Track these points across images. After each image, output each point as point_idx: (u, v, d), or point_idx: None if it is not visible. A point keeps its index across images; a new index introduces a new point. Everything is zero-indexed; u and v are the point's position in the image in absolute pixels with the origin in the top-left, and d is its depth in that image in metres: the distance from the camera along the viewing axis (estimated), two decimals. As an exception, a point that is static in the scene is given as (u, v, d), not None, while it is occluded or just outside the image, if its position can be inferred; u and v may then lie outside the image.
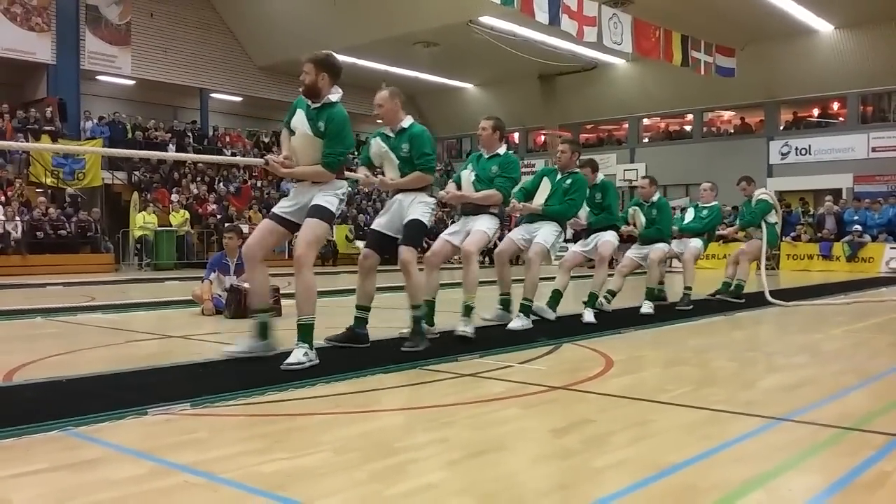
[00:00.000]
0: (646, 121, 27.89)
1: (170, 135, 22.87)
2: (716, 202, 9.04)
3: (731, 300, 8.75)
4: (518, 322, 6.29)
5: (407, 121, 5.37)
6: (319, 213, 4.65)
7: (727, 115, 26.36)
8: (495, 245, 6.93)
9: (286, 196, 4.98)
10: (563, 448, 3.04)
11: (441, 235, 5.97)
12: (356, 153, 7.30)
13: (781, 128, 24.77)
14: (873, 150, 22.56)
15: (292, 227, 4.76)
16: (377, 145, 5.42)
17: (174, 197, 19.89)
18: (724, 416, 3.57)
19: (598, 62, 24.53)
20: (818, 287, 12.30)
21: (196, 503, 2.37)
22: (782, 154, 24.17)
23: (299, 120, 4.78)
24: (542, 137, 29.70)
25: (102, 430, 3.20)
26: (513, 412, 3.67)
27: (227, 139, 24.80)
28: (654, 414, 3.61)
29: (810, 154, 23.64)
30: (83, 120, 21.26)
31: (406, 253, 5.17)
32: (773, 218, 9.23)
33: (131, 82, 23.35)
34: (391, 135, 5.36)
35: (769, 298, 9.21)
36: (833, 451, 3.03)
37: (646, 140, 27.82)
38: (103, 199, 20.18)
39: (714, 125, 26.74)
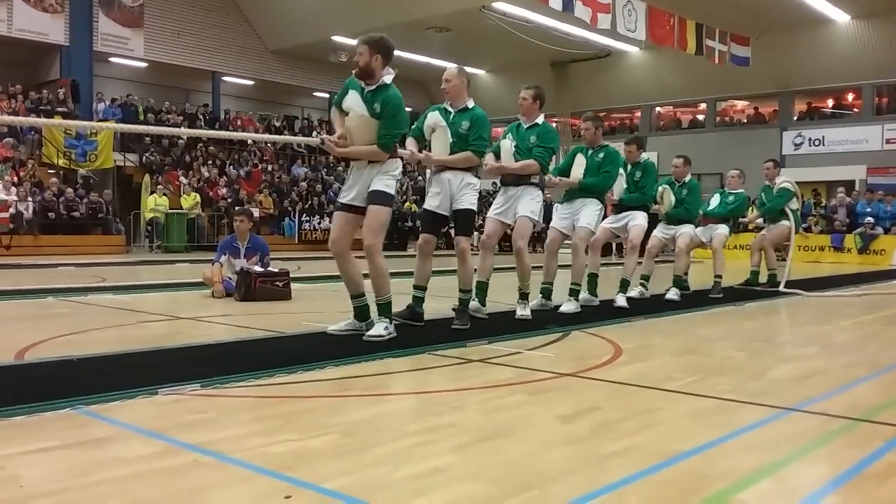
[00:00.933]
0: (658, 109, 27.72)
1: (181, 118, 22.91)
2: (742, 189, 9.08)
3: (770, 289, 8.86)
4: (569, 305, 6.51)
5: (471, 102, 5.53)
6: (380, 198, 4.83)
7: (740, 104, 26.18)
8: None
9: (333, 182, 5.20)
10: (570, 434, 3.04)
11: (490, 216, 6.14)
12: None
13: (795, 118, 24.59)
14: (888, 141, 22.38)
15: (360, 210, 4.91)
16: (434, 118, 5.55)
17: (184, 180, 19.94)
18: (732, 405, 3.57)
19: (611, 50, 24.40)
20: (829, 279, 12.24)
21: (205, 482, 2.39)
22: (795, 145, 24.01)
23: (354, 101, 4.89)
24: (554, 124, 29.61)
25: (113, 408, 3.22)
26: (521, 398, 3.68)
27: (239, 123, 24.82)
28: (662, 402, 3.61)
29: (824, 145, 23.48)
30: (95, 101, 21.31)
31: (464, 242, 5.46)
32: (795, 205, 9.35)
33: (144, 65, 23.38)
34: (451, 111, 5.50)
35: (782, 289, 9.20)
36: (842, 442, 3.02)
37: (658, 128, 27.67)
38: (115, 180, 20.25)
39: (727, 115, 26.57)
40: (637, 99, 26.92)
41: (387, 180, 4.88)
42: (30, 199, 16.49)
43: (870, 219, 18.38)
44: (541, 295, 6.70)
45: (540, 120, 6.15)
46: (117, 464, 2.54)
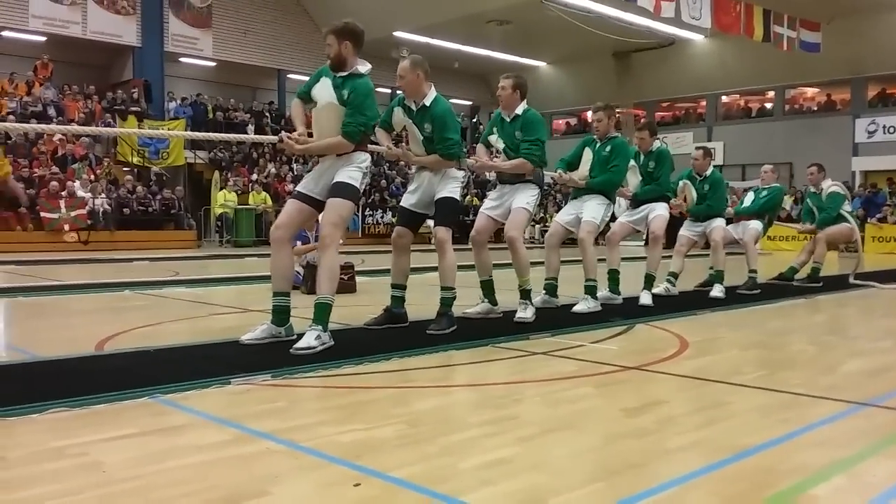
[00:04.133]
0: (724, 98, 27.08)
1: (248, 115, 23.39)
2: (777, 184, 8.65)
3: (809, 285, 8.44)
4: (584, 304, 6.05)
5: (430, 97, 5.06)
6: (342, 191, 4.49)
7: (811, 91, 25.36)
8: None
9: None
10: (635, 427, 3.02)
11: (482, 211, 5.80)
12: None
13: (868, 105, 23.71)
14: (968, 127, 21.41)
15: (319, 205, 4.59)
16: (399, 117, 5.21)
17: (254, 176, 20.35)
18: (803, 399, 3.49)
19: (675, 38, 23.92)
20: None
21: (278, 469, 2.46)
22: (869, 132, 23.14)
23: (324, 88, 4.63)
24: (617, 116, 29.17)
25: (188, 397, 3.34)
26: (585, 391, 3.67)
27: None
28: (729, 396, 3.56)
29: (899, 132, 22.59)
30: (167, 101, 21.92)
31: (442, 232, 5.01)
32: (848, 206, 8.92)
33: (212, 64, 23.95)
34: (413, 108, 5.11)
35: (852, 280, 8.91)
36: (919, 439, 2.93)
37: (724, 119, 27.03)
38: (186, 177, 20.81)
39: (797, 102, 25.78)
40: (702, 88, 26.33)
41: (352, 171, 4.54)
42: (104, 195, 17.07)
43: (949, 208, 17.64)
44: (544, 291, 6.29)
45: (520, 110, 5.63)
46: (193, 450, 2.64)
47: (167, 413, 3.13)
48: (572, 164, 6.56)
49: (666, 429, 3.01)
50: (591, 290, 6.17)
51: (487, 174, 5.75)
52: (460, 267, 5.18)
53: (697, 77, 25.86)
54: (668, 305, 6.64)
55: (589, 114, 29.49)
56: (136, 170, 19.32)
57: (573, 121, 31.48)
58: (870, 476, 2.50)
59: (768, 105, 26.15)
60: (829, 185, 8.89)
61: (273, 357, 4.05)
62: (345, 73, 4.63)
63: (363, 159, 4.65)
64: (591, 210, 6.21)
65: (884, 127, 22.90)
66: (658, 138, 7.29)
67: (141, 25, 21.58)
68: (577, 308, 6.02)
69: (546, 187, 6.69)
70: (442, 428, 2.99)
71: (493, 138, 5.80)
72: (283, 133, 4.69)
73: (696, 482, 2.39)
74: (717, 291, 7.33)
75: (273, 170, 21.50)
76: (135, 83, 21.39)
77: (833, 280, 8.94)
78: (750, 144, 25.10)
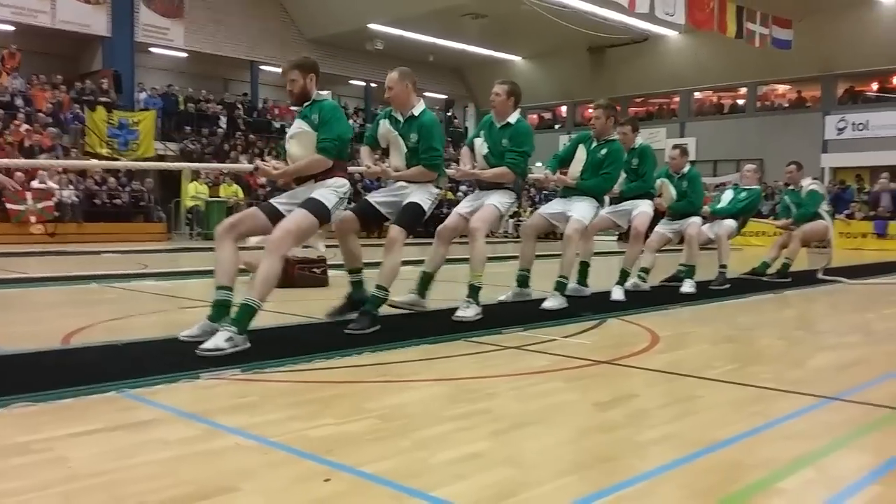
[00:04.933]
0: (697, 94, 27.32)
1: (221, 107, 23.16)
2: (757, 185, 8.75)
3: (778, 280, 8.53)
4: (553, 301, 5.96)
5: (418, 107, 5.05)
6: (312, 205, 4.38)
7: (782, 88, 25.67)
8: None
9: None
10: (606, 421, 3.04)
11: (455, 209, 5.70)
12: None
13: (838, 102, 24.05)
14: (935, 125, 21.79)
15: (279, 219, 4.38)
16: (385, 128, 5.14)
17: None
18: (772, 393, 3.53)
19: (649, 34, 24.06)
20: (872, 266, 11.99)
21: (248, 465, 2.44)
22: (838, 129, 23.49)
23: (295, 124, 4.63)
24: (591, 111, 29.34)
25: (157, 392, 3.30)
26: (556, 385, 3.68)
27: (277, 111, 25.01)
28: (700, 390, 3.59)
29: (867, 129, 22.92)
30: (137, 91, 21.63)
31: (395, 232, 4.85)
32: (826, 206, 9.05)
33: (184, 55, 23.66)
34: (401, 119, 5.07)
35: (821, 276, 9.03)
36: (885, 432, 2.98)
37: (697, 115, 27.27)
38: (156, 169, 20.54)
39: (768, 99, 26.08)
40: (676, 84, 26.55)
41: (327, 193, 4.46)
42: (72, 187, 16.81)
43: (915, 205, 17.96)
44: (516, 283, 6.22)
45: (513, 119, 5.55)
46: (162, 446, 2.61)
47: (135, 408, 3.08)
48: (565, 161, 6.46)
49: (637, 423, 3.03)
50: (560, 287, 6.09)
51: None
52: (453, 261, 5.06)
53: (671, 73, 26.06)
54: (640, 300, 6.68)
55: (563, 108, 29.60)
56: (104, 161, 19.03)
57: (547, 115, 31.58)
58: (836, 469, 2.53)
59: (740, 101, 26.44)
60: (809, 184, 9.02)
61: (243, 351, 4.01)
62: (309, 102, 4.61)
63: (341, 184, 4.58)
64: (582, 210, 6.10)
65: (853, 124, 23.25)
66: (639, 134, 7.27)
67: (111, 15, 21.25)
68: (545, 304, 5.97)
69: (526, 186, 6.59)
70: (414, 422, 2.98)
71: (479, 142, 5.70)
72: (258, 160, 4.64)
73: (667, 476, 2.41)
74: (688, 287, 7.31)
75: (245, 162, 21.31)
76: (104, 73, 21.08)
77: (802, 275, 9.05)
78: (722, 140, 25.36)
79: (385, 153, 5.33)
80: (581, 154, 6.33)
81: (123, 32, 21.46)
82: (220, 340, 3.97)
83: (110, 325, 5.15)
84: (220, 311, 4.30)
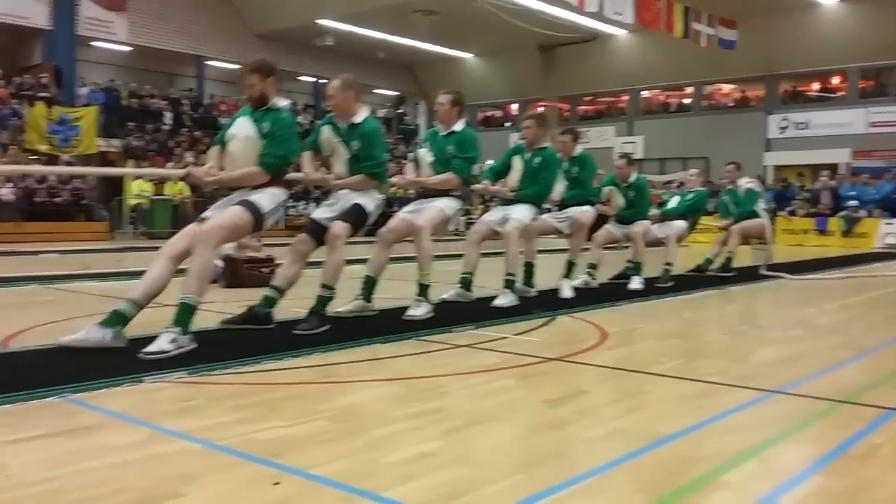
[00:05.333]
0: (645, 93, 27.73)
1: (165, 102, 22.71)
2: (702, 188, 8.98)
3: (722, 274, 8.72)
4: (504, 298, 6.04)
5: (361, 115, 5.00)
6: (249, 205, 4.30)
7: (727, 88, 26.20)
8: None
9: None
10: (557, 418, 3.06)
11: (398, 213, 5.68)
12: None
13: (781, 102, 24.67)
14: (872, 125, 22.48)
15: None
16: (327, 135, 5.08)
17: (170, 165, 19.77)
18: (717, 388, 3.60)
19: (598, 33, 24.32)
20: (813, 261, 12.33)
21: (193, 469, 2.39)
22: (781, 128, 24.09)
23: (242, 124, 4.51)
24: (541, 109, 29.55)
25: (99, 396, 3.21)
26: (508, 383, 3.70)
27: (224, 107, 24.63)
28: (647, 385, 3.64)
29: (809, 128, 23.56)
30: (78, 86, 21.08)
31: (338, 227, 4.76)
32: (764, 204, 9.29)
33: (127, 49, 23.11)
34: (343, 126, 5.01)
35: (764, 272, 9.26)
36: (826, 424, 3.06)
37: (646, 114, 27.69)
38: (98, 166, 20.06)
39: (713, 98, 26.60)
40: (624, 83, 26.90)
41: (263, 197, 4.37)
42: (11, 185, 16.31)
43: (853, 202, 18.49)
44: (460, 285, 6.20)
45: (458, 127, 5.61)
46: (104, 451, 2.54)
47: (76, 413, 3.00)
48: (500, 173, 6.56)
49: (586, 419, 3.06)
50: (510, 284, 6.16)
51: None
52: (397, 259, 5.00)
53: (619, 72, 26.39)
54: (589, 297, 6.76)
55: (514, 106, 29.70)
56: (44, 158, 18.51)
57: (498, 113, 31.73)
58: (779, 461, 2.59)
59: (687, 101, 26.89)
60: (746, 183, 9.28)
61: (189, 354, 3.94)
62: (265, 108, 4.51)
63: (279, 193, 4.50)
64: (520, 212, 6.22)
65: (795, 123, 23.87)
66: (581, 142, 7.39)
67: (51, 7, 20.63)
68: (496, 302, 6.02)
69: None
70: (365, 423, 2.96)
71: (423, 152, 5.72)
72: (191, 167, 4.48)
73: (616, 471, 2.44)
74: (636, 283, 7.43)
75: (191, 159, 20.93)
76: (44, 68, 20.47)
77: (745, 271, 9.26)
78: (669, 139, 25.79)
79: (325, 162, 5.30)
80: (517, 164, 6.45)
81: (64, 25, 20.87)
82: (163, 342, 3.89)
83: (51, 328, 5.00)
84: (115, 320, 4.04)
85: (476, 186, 6.36)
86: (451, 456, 2.56)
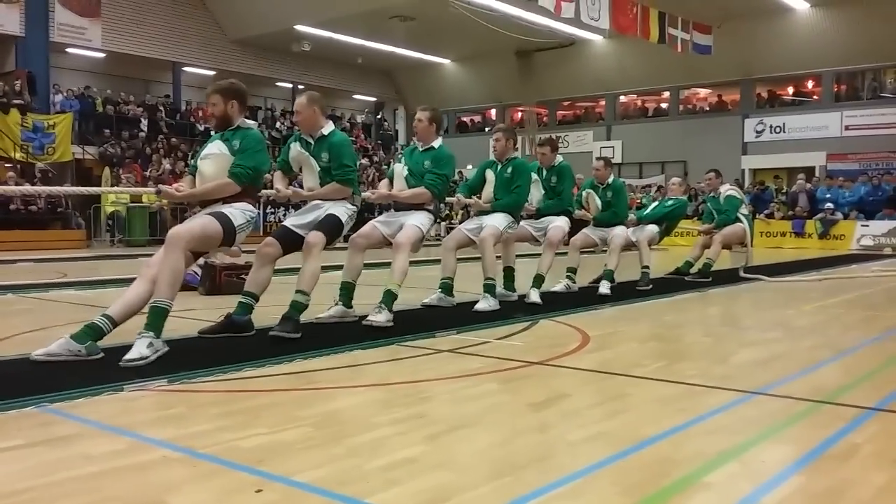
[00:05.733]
0: (622, 98, 27.93)
1: (141, 109, 22.54)
2: (683, 197, 9.12)
3: (699, 280, 8.79)
4: (484, 303, 6.07)
5: (327, 128, 5.11)
6: (219, 215, 4.35)
7: (703, 92, 26.47)
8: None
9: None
10: (540, 422, 3.07)
11: (372, 220, 5.69)
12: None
13: (756, 106, 24.94)
14: (846, 128, 22.80)
15: None
16: (296, 151, 5.17)
17: (147, 172, 19.62)
18: (698, 389, 3.62)
19: (575, 38, 24.48)
20: (791, 264, 12.46)
21: (175, 478, 2.37)
22: (757, 132, 24.35)
23: (213, 145, 4.58)
24: (520, 114, 29.67)
25: (78, 406, 3.18)
26: (490, 387, 3.70)
27: (200, 114, 24.48)
28: (629, 388, 3.66)
29: (784, 132, 23.85)
30: (52, 93, 20.86)
31: (314, 237, 4.80)
32: (745, 210, 9.40)
33: (102, 55, 22.91)
34: (311, 141, 5.11)
35: (742, 274, 9.34)
36: (805, 424, 3.08)
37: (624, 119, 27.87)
38: (74, 174, 19.87)
39: (690, 102, 26.85)
40: (601, 87, 27.07)
41: (234, 211, 4.42)
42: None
43: (830, 204, 18.71)
44: (439, 290, 6.26)
45: (436, 144, 5.74)
46: (84, 461, 2.51)
47: (56, 423, 2.96)
48: (474, 189, 6.67)
49: (569, 422, 3.07)
50: (489, 289, 6.20)
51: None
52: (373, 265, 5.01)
53: (597, 77, 26.56)
54: (570, 301, 6.79)
55: (493, 111, 29.79)
56: (19, 166, 18.30)
57: (477, 118, 31.80)
58: (760, 462, 2.61)
59: (664, 105, 27.13)
60: (727, 189, 9.39)
61: (169, 362, 3.90)
62: (233, 128, 4.58)
63: (249, 209, 4.55)
64: (495, 219, 6.29)
65: (771, 126, 24.15)
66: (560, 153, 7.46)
67: (24, 14, 20.42)
68: (477, 307, 6.05)
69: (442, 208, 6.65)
70: (348, 429, 2.95)
71: (399, 167, 5.79)
72: (161, 185, 4.54)
73: (599, 473, 2.44)
74: (604, 288, 7.46)
75: (168, 166, 20.77)
76: (17, 74, 20.22)
77: (724, 274, 9.33)
78: (647, 143, 25.99)
79: (294, 180, 5.36)
80: (490, 177, 6.55)
81: (38, 32, 20.65)
82: (142, 348, 3.88)
83: (28, 337, 4.94)
84: (88, 334, 3.99)
85: (450, 199, 6.42)
86: (434, 461, 2.55)
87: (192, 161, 4.82)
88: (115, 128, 21.31)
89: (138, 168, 19.94)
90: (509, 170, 6.45)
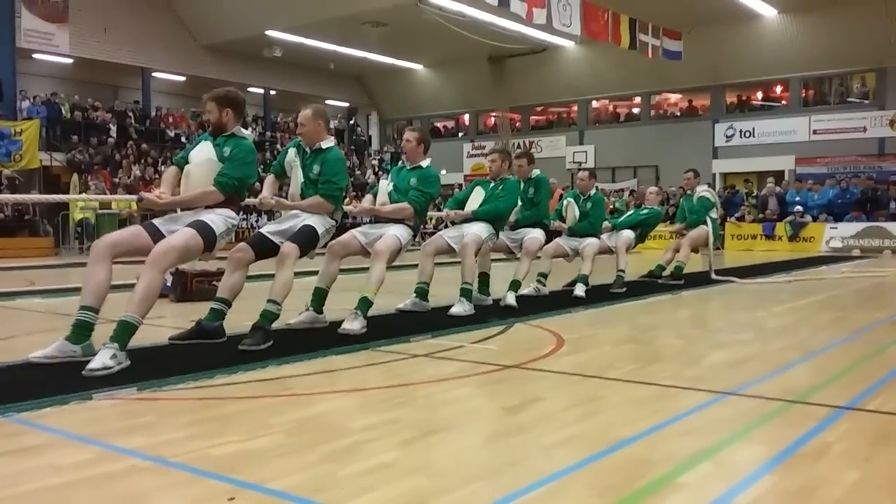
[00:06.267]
0: (595, 103, 28.12)
1: (110, 115, 22.29)
2: (657, 207, 9.32)
3: (672, 282, 8.87)
4: (460, 307, 6.09)
5: (327, 142, 5.14)
6: (200, 226, 4.30)
7: (674, 97, 26.75)
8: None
9: None
10: (515, 425, 3.06)
11: (351, 230, 5.68)
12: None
13: (726, 111, 25.25)
14: (814, 132, 23.18)
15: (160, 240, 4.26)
16: (291, 155, 5.19)
17: (116, 179, 19.39)
18: (672, 391, 3.64)
19: (547, 44, 24.61)
20: (762, 266, 12.61)
21: (144, 487, 2.32)
22: (727, 136, 24.66)
23: (202, 147, 4.59)
24: (493, 119, 29.75)
25: (45, 415, 3.11)
26: (465, 391, 3.69)
27: (171, 120, 24.27)
28: (604, 390, 3.66)
29: (754, 136, 24.19)
30: (19, 100, 20.56)
31: (288, 248, 4.73)
32: (715, 213, 9.52)
33: (70, 61, 22.63)
34: (307, 151, 5.13)
35: (714, 276, 9.44)
36: (778, 424, 3.11)
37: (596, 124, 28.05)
38: (41, 181, 19.58)
39: (661, 108, 27.11)
40: (574, 93, 27.27)
41: (216, 218, 4.41)
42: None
43: (799, 207, 18.98)
44: (415, 294, 6.25)
45: (424, 163, 5.84)
46: (51, 472, 2.46)
47: (21, 433, 2.90)
48: (462, 204, 6.73)
49: (544, 425, 3.06)
50: (466, 294, 6.20)
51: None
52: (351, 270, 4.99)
53: (569, 83, 26.75)
54: (544, 304, 6.80)
55: (466, 117, 29.81)
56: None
57: (450, 123, 31.84)
58: (733, 462, 2.62)
59: (635, 110, 27.37)
60: (702, 190, 9.54)
61: (138, 370, 3.84)
62: (227, 134, 4.60)
63: (231, 215, 4.54)
64: (477, 228, 6.33)
65: (740, 131, 24.47)
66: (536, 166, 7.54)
67: (-10, 19, 20.12)
68: (453, 311, 6.06)
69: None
70: (322, 436, 2.91)
71: (385, 184, 5.86)
72: (143, 192, 4.54)
73: (574, 476, 2.44)
74: (579, 291, 7.50)
75: (137, 172, 20.56)
76: (-17, 81, 19.94)
77: (696, 276, 9.42)
78: (619, 148, 26.20)
79: (284, 186, 5.35)
80: (478, 193, 6.68)
81: (4, 37, 20.31)
82: (105, 358, 3.81)
83: (-7, 346, 4.85)
84: (80, 333, 4.05)
85: (437, 213, 6.49)
86: (409, 466, 2.53)
87: (180, 154, 4.78)
88: (83, 134, 21.07)
89: (107, 174, 19.71)
90: (500, 186, 6.62)
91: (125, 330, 3.96)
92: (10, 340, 5.16)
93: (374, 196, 5.89)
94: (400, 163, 6.05)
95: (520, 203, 7.10)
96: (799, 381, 3.95)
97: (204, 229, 4.32)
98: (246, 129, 4.78)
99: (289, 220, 5.04)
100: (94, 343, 4.08)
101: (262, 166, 18.28)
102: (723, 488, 2.34)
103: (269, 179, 5.29)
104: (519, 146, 28.16)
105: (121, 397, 3.41)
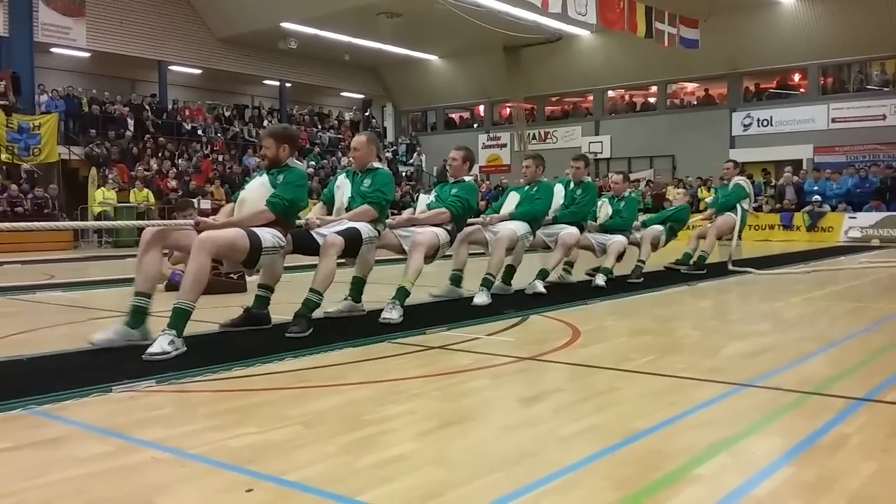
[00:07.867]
0: (610, 93, 27.94)
1: (127, 108, 22.42)
2: (685, 203, 9.54)
3: (694, 272, 8.84)
4: (481, 297, 6.25)
5: (378, 164, 5.46)
6: (250, 232, 4.48)
7: (690, 86, 26.51)
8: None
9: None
10: (531, 417, 3.07)
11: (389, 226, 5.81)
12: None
13: (743, 99, 25.01)
14: (833, 120, 22.90)
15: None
16: (341, 179, 5.48)
17: (133, 173, 19.52)
18: (688, 382, 3.63)
19: (562, 34, 24.46)
20: (779, 256, 12.51)
21: (164, 479, 2.35)
22: (744, 125, 24.43)
23: (256, 181, 4.81)
24: (508, 110, 29.65)
25: (66, 408, 3.16)
26: (481, 383, 3.70)
27: (187, 113, 24.38)
28: (620, 382, 3.66)
29: (772, 125, 23.93)
30: (38, 94, 20.72)
31: (332, 238, 4.91)
32: (747, 204, 9.48)
33: (87, 55, 22.78)
34: (359, 173, 5.40)
35: (731, 268, 9.38)
36: (795, 415, 3.09)
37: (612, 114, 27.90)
38: (60, 174, 19.75)
39: (678, 97, 26.89)
40: (589, 83, 27.09)
41: (265, 233, 4.55)
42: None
43: (817, 197, 18.80)
44: (450, 281, 6.62)
45: (467, 178, 6.17)
46: (72, 463, 2.49)
47: (43, 425, 2.94)
48: (498, 211, 6.97)
49: (561, 416, 3.07)
50: (487, 283, 6.39)
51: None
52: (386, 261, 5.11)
53: (584, 72, 26.58)
54: (560, 295, 6.79)
55: (481, 108, 29.75)
56: (4, 167, 18.18)
57: (465, 114, 31.77)
58: (750, 453, 2.61)
59: (651, 99, 27.16)
60: (737, 179, 9.58)
61: (158, 362, 3.88)
62: (280, 167, 4.79)
63: (279, 235, 4.67)
64: (514, 225, 6.61)
65: (758, 120, 24.22)
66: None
67: (8, 14, 20.27)
68: (476, 301, 6.22)
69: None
70: (339, 427, 2.93)
71: (425, 197, 6.17)
72: (199, 217, 4.77)
73: (590, 467, 2.44)
74: (599, 280, 7.53)
75: (155, 165, 20.69)
76: (2, 75, 20.08)
77: (714, 267, 9.37)
78: (635, 138, 26.03)
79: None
80: (514, 197, 6.95)
81: (22, 32, 20.51)
82: (164, 344, 4.00)
83: (15, 339, 4.91)
84: (138, 317, 4.32)
85: (476, 221, 6.67)
86: (426, 458, 2.55)
87: (237, 192, 5.03)
88: (101, 128, 21.21)
89: (125, 168, 19.85)
90: (535, 189, 6.91)
91: (179, 316, 4.15)
92: (31, 334, 5.22)
93: (414, 210, 6.19)
94: (446, 179, 6.32)
95: (562, 201, 7.41)
96: (816, 373, 3.93)
97: (252, 234, 4.48)
98: (300, 160, 4.90)
99: (335, 225, 5.17)
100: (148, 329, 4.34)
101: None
102: (739, 480, 2.33)
103: (319, 206, 5.53)
104: (534, 137, 28.10)
105: (140, 390, 3.44)
